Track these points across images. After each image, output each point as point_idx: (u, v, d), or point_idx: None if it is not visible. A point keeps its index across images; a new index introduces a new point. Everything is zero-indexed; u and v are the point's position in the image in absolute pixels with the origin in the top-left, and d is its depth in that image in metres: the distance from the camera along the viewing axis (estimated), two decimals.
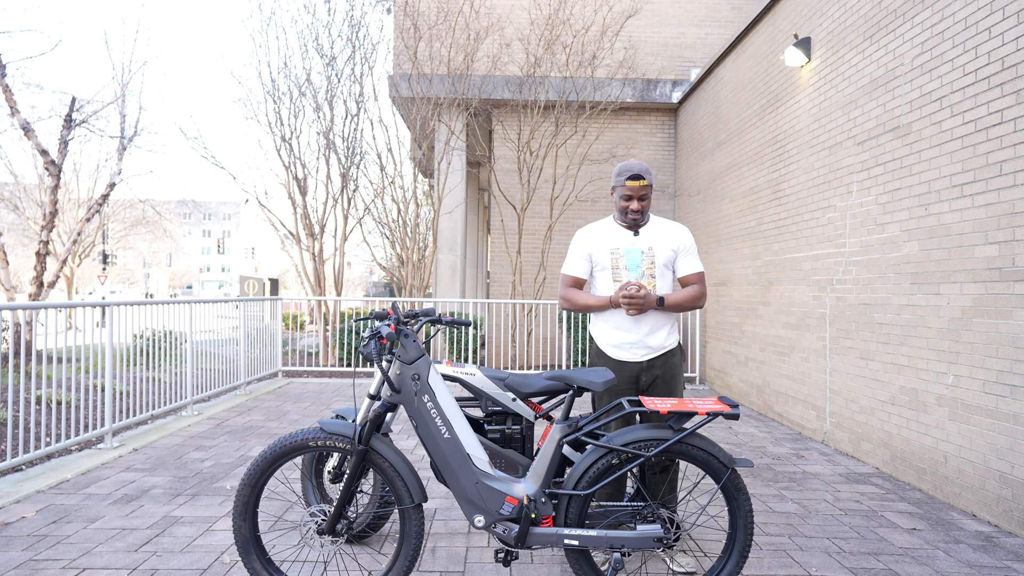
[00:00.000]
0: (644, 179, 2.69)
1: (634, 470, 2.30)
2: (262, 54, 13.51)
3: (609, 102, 9.60)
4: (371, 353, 2.25)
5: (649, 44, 10.00)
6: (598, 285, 2.83)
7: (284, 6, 23.11)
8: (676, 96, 9.70)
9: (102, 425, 4.83)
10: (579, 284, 2.87)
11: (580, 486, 2.24)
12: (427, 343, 4.74)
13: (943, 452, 3.83)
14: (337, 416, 2.77)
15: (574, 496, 2.24)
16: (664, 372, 2.76)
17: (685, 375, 8.56)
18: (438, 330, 2.79)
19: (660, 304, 2.65)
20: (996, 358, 3.44)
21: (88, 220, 9.98)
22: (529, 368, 9.53)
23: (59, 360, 8.99)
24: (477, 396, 2.76)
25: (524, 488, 2.29)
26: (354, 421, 2.41)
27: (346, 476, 2.31)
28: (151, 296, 48.31)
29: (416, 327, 2.60)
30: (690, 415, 2.19)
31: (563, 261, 11.51)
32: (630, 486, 3.69)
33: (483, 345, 9.45)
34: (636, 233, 2.77)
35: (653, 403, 2.22)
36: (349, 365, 9.01)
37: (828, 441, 5.13)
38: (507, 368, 9.83)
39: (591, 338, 2.96)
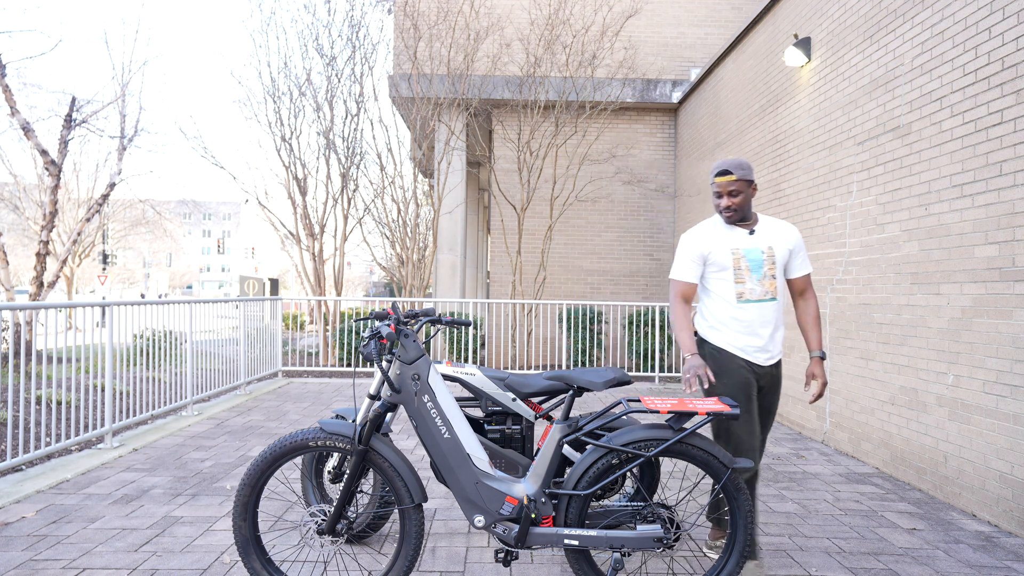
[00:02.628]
0: (731, 174, 2.51)
1: (634, 470, 2.30)
2: (262, 54, 13.51)
3: (609, 102, 9.60)
4: (371, 353, 2.25)
5: (649, 44, 10.00)
6: (713, 288, 2.63)
7: (284, 6, 23.12)
8: (676, 96, 9.70)
9: (102, 425, 4.83)
10: (690, 291, 2.66)
11: (580, 486, 2.24)
12: (427, 343, 4.75)
13: (943, 452, 3.83)
14: (337, 416, 2.77)
15: (574, 496, 2.24)
16: (776, 380, 2.69)
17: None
18: (438, 330, 2.79)
19: (824, 357, 2.63)
20: (996, 358, 3.44)
21: (88, 220, 9.98)
22: (529, 368, 9.53)
23: (59, 360, 9.00)
24: (477, 396, 2.76)
25: (524, 488, 2.29)
26: (354, 421, 2.41)
27: (346, 476, 2.31)
28: (143, 296, 48.34)
29: (416, 327, 2.60)
30: (690, 415, 2.19)
31: (563, 261, 11.44)
32: (630, 486, 3.69)
33: (483, 345, 9.45)
34: (752, 232, 2.61)
35: (653, 403, 2.22)
36: (349, 365, 9.01)
37: (828, 441, 5.13)
38: (507, 368, 9.83)
39: (704, 339, 2.72)
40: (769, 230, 2.63)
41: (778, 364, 2.65)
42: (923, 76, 4.09)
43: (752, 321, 2.56)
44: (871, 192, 4.62)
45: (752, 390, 2.58)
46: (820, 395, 2.57)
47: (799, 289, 2.69)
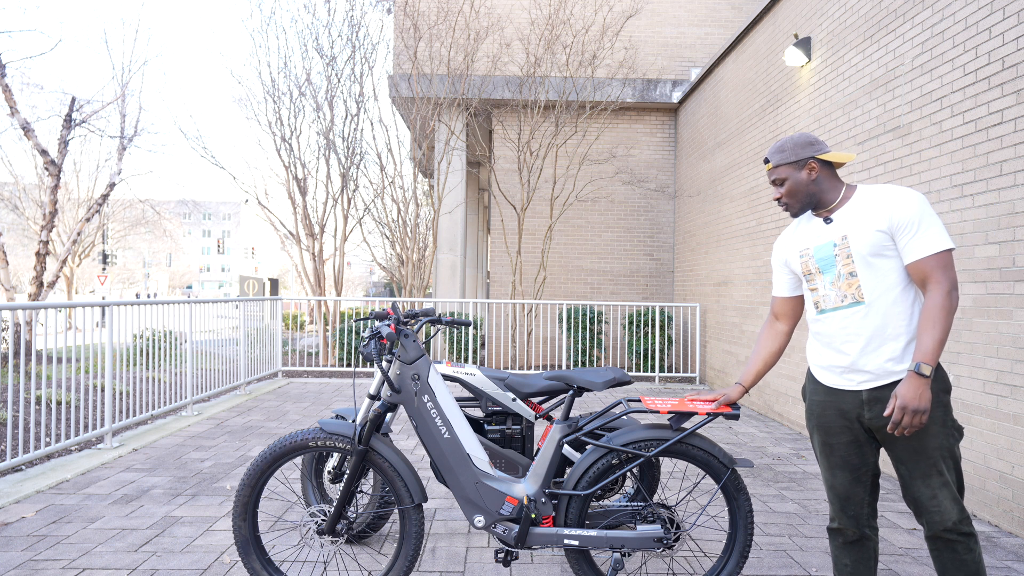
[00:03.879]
0: (769, 161, 2.06)
1: (634, 470, 2.30)
2: (262, 54, 13.52)
3: (609, 102, 9.60)
4: (371, 353, 2.25)
5: (649, 44, 10.00)
6: (806, 301, 2.10)
7: (284, 6, 23.12)
8: (676, 96, 9.70)
9: (102, 425, 4.83)
10: (784, 308, 2.18)
11: (580, 486, 2.24)
12: (427, 343, 4.75)
13: None
14: (337, 416, 2.77)
15: (574, 496, 2.24)
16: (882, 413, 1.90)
17: (685, 375, 8.56)
18: (438, 330, 2.79)
19: (922, 373, 1.75)
20: (996, 358, 3.44)
21: (88, 220, 9.98)
22: (529, 368, 9.53)
23: (59, 360, 8.99)
24: (477, 396, 2.76)
25: (524, 488, 2.29)
26: (354, 421, 2.41)
27: (346, 476, 2.31)
28: (136, 296, 48.32)
29: (416, 327, 2.60)
30: (690, 415, 2.19)
31: (563, 261, 11.42)
32: (630, 486, 3.69)
33: (483, 345, 9.45)
34: (828, 220, 2.00)
35: (653, 403, 2.22)
36: (349, 365, 9.01)
37: None
38: (507, 368, 9.83)
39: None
40: (853, 211, 1.94)
41: (894, 389, 1.82)
42: (923, 76, 4.09)
43: (832, 335, 1.97)
44: None
45: (835, 423, 1.98)
46: (896, 422, 1.76)
47: (917, 279, 1.86)
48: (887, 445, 1.92)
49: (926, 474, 1.85)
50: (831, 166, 2.00)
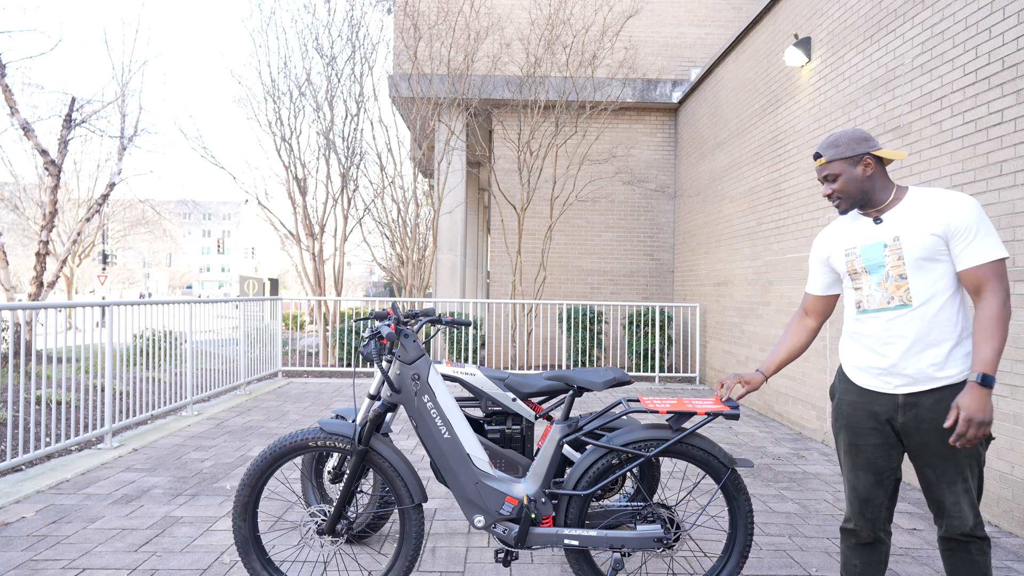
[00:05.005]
0: (820, 156, 2.01)
1: (634, 470, 2.30)
2: (262, 54, 13.52)
3: (609, 102, 9.60)
4: (371, 353, 2.25)
5: (649, 44, 10.01)
6: (846, 300, 2.11)
7: (284, 6, 23.10)
8: (676, 96, 9.71)
9: (102, 425, 4.83)
10: (816, 305, 2.21)
11: (580, 486, 2.24)
12: (427, 343, 4.75)
13: None
14: (337, 416, 2.77)
15: (574, 496, 2.24)
16: (935, 416, 1.86)
17: (685, 375, 8.56)
18: (438, 330, 2.79)
19: (987, 383, 1.73)
20: None
21: (88, 220, 9.98)
22: (529, 368, 9.53)
23: (59, 360, 9.00)
24: (477, 396, 2.76)
25: (524, 488, 2.29)
26: (354, 421, 2.41)
27: (346, 476, 2.31)
28: (141, 297, 48.32)
29: (416, 327, 2.60)
30: (689, 415, 2.19)
31: (563, 261, 11.43)
32: (630, 486, 3.69)
33: (483, 345, 9.45)
34: (878, 220, 1.97)
35: (652, 403, 2.22)
36: (349, 365, 9.01)
37: (828, 441, 5.12)
38: (507, 368, 9.83)
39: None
40: (906, 212, 1.92)
41: (933, 395, 1.86)
42: (923, 76, 4.09)
43: (873, 336, 1.96)
44: None
45: (865, 424, 1.97)
46: (960, 434, 1.73)
47: (970, 286, 1.85)
48: (917, 450, 1.90)
49: (952, 480, 1.85)
50: (883, 164, 1.97)
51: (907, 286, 1.89)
